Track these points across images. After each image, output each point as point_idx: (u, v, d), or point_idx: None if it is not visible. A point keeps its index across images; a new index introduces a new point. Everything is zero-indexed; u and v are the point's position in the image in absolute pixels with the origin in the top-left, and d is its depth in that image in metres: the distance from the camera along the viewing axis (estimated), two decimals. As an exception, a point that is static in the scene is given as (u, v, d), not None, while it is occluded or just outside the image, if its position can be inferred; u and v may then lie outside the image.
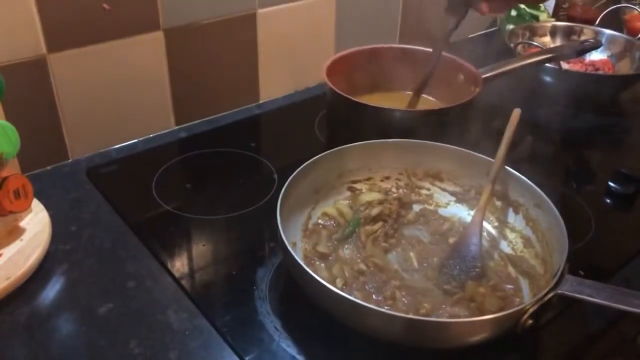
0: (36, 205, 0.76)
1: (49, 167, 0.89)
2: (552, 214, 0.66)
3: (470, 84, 0.95)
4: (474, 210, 0.73)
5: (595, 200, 0.86)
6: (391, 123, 0.85)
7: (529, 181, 0.71)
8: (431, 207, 0.79)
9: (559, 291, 0.57)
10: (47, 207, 0.76)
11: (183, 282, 0.69)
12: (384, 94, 1.01)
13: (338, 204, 0.77)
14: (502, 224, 0.75)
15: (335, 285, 0.60)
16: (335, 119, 0.96)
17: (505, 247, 0.73)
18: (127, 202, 0.82)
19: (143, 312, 0.65)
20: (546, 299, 0.56)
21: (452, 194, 0.79)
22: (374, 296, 0.64)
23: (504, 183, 0.74)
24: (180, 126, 1.02)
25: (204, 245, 0.76)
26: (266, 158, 0.93)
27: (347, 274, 0.66)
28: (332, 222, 0.75)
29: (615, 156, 1.00)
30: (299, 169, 0.71)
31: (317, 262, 0.69)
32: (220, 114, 1.06)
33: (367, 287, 0.65)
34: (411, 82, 0.98)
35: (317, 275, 0.57)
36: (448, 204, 0.79)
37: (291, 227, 0.70)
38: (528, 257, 0.70)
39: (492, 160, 0.73)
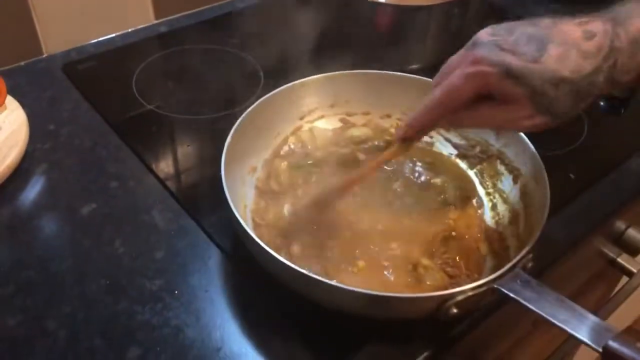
0: (11, 102, 0.72)
1: (22, 63, 0.85)
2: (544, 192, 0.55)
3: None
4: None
5: (589, 103, 0.84)
6: (381, 19, 0.81)
7: (533, 149, 0.60)
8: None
9: (496, 285, 0.48)
10: (23, 105, 0.73)
11: (168, 182, 0.67)
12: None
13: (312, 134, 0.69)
14: (497, 191, 0.65)
15: None
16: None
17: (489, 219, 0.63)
18: (107, 100, 0.79)
19: (127, 212, 0.64)
20: (479, 291, 0.48)
21: (455, 146, 0.69)
22: None
23: (509, 145, 0.64)
24: (160, 20, 0.96)
25: (188, 146, 0.74)
26: (251, 55, 0.89)
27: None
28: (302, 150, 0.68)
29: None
30: (284, 86, 0.65)
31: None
32: (202, 8, 1.00)
33: None
34: None
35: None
36: (448, 157, 0.69)
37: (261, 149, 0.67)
38: (508, 235, 0.60)
39: None
